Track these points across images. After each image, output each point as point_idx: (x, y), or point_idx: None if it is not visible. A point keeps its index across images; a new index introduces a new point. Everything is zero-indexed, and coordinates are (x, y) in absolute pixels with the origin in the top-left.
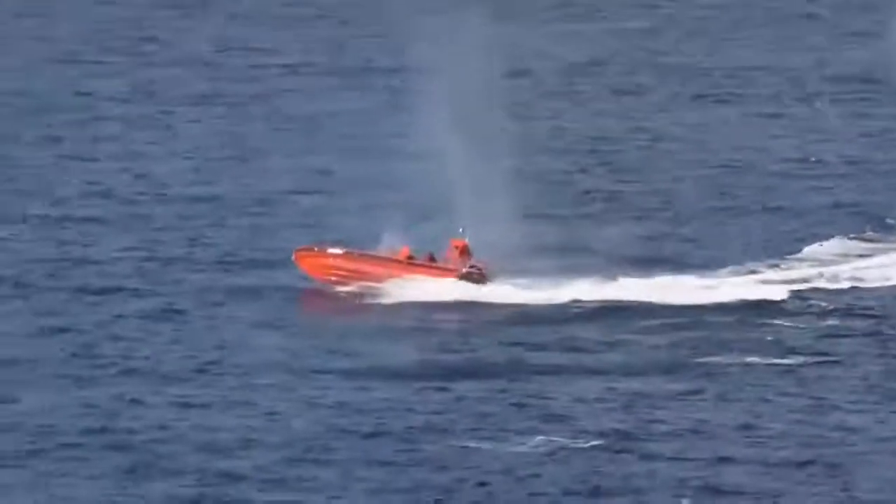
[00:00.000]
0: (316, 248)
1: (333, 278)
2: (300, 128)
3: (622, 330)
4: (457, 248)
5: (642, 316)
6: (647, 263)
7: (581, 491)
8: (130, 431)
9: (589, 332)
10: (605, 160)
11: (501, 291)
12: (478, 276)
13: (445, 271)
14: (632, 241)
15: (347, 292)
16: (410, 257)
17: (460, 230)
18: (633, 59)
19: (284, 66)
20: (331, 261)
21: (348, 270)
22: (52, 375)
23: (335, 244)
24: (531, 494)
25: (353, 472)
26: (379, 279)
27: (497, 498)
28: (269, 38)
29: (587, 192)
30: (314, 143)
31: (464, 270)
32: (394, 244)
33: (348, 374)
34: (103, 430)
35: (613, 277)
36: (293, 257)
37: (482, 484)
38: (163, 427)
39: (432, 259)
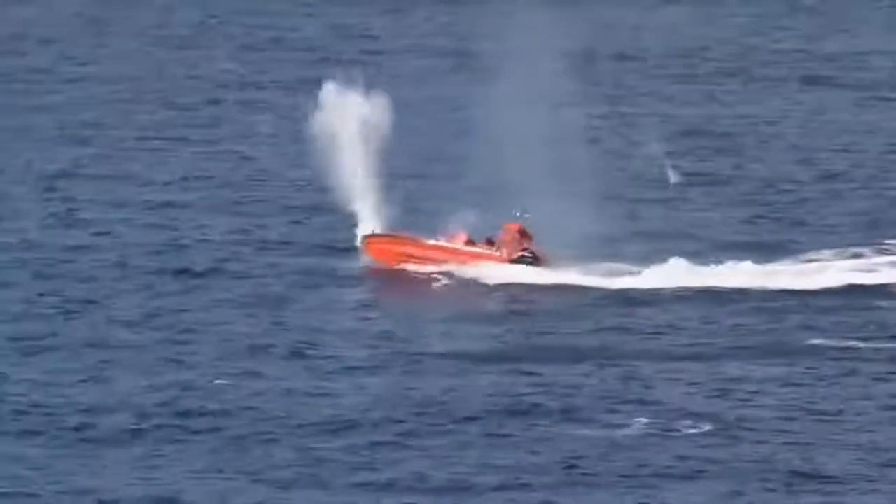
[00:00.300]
0: (383, 235)
1: (400, 264)
2: (403, 112)
3: (721, 314)
4: (509, 231)
5: (742, 300)
6: (749, 247)
7: (674, 474)
8: (226, 413)
9: (687, 316)
10: (708, 144)
11: (593, 275)
12: (531, 260)
13: (502, 255)
14: (733, 225)
15: (420, 278)
16: (470, 242)
17: (516, 213)
18: (741, 42)
19: (389, 50)
20: (398, 247)
21: (414, 256)
22: (152, 358)
23: (401, 230)
24: (623, 476)
25: (443, 455)
26: (442, 264)
27: (589, 480)
28: (376, 23)
29: (689, 175)
30: (416, 127)
31: (516, 254)
32: (455, 229)
33: (441, 357)
34: (200, 412)
35: (714, 261)
36: (362, 243)
37: (572, 466)
38: (257, 409)
39: (490, 243)
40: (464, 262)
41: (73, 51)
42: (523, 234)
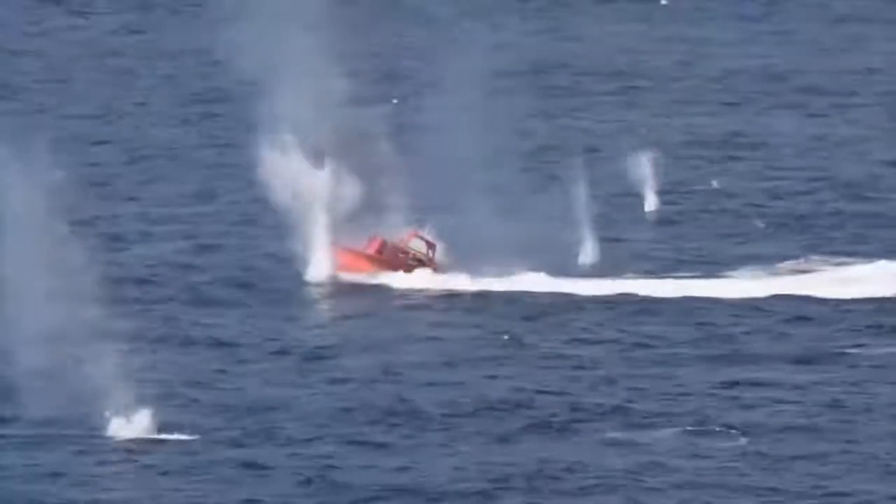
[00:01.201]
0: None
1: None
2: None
3: (748, 322)
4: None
5: (769, 307)
6: (766, 259)
7: (696, 482)
8: (228, 420)
9: (713, 324)
10: (720, 156)
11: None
12: (417, 267)
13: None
14: (740, 239)
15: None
16: (379, 251)
17: (419, 221)
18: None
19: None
20: (338, 257)
21: (342, 265)
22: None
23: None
24: (645, 486)
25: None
26: (358, 271)
27: (605, 488)
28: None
29: (717, 189)
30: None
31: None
32: (372, 237)
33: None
34: (206, 419)
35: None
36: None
37: (571, 470)
38: (268, 401)
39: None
40: (367, 271)
41: (91, 64)
42: (428, 243)
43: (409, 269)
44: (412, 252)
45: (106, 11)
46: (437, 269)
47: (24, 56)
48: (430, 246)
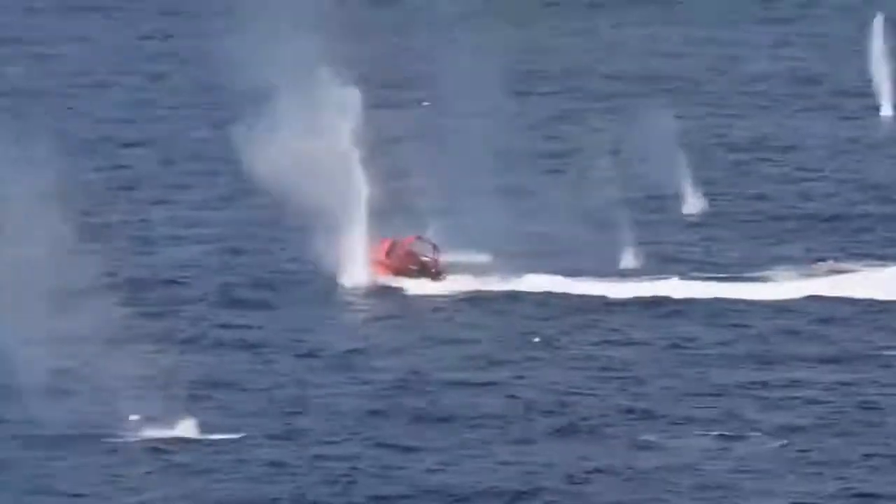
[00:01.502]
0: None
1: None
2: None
3: (781, 323)
4: (404, 243)
5: (802, 309)
6: (799, 261)
7: (728, 485)
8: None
9: (745, 325)
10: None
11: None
12: (417, 273)
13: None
14: (772, 240)
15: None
16: (389, 254)
17: (424, 227)
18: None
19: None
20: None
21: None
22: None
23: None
24: (677, 489)
25: (499, 459)
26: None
27: (637, 490)
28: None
29: (749, 191)
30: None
31: (405, 266)
32: (382, 240)
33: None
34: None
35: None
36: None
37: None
38: (296, 402)
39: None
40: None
41: (124, 68)
42: (433, 246)
43: (412, 272)
44: (417, 255)
45: (140, 17)
46: (441, 272)
47: (57, 60)
48: (435, 249)
